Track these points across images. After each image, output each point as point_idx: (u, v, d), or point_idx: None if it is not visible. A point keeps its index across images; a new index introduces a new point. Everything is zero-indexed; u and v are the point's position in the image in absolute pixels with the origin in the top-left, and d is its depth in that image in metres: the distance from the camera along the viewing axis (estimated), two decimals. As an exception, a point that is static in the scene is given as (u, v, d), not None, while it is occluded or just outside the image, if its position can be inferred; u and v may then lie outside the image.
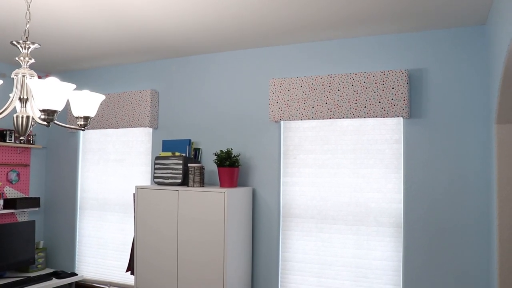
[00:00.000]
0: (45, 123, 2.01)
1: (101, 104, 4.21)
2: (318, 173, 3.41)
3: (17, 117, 2.11)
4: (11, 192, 4.34)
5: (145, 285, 3.47)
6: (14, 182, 4.36)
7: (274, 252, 3.48)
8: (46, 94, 1.90)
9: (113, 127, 4.15)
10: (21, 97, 2.16)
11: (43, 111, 1.94)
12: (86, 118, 2.28)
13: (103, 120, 4.20)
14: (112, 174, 4.30)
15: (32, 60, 2.24)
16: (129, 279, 4.09)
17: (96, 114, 4.23)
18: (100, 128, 4.22)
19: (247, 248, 3.47)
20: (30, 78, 2.13)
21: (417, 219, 3.08)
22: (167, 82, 4.06)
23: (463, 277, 2.93)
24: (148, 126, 3.97)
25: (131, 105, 4.06)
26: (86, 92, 2.21)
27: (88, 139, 4.49)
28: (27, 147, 4.47)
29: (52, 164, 4.68)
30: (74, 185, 4.50)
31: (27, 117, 2.13)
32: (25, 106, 2.17)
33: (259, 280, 3.52)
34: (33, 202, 4.36)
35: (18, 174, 4.41)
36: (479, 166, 2.94)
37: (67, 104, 4.44)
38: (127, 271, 3.85)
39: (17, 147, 4.38)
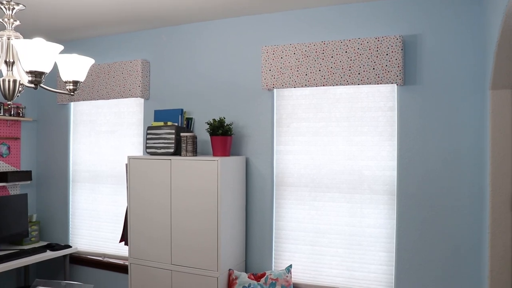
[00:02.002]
0: (32, 85, 1.96)
1: (91, 75, 4.13)
2: (311, 141, 3.40)
3: (3, 80, 2.06)
4: (2, 166, 4.29)
5: (139, 255, 3.47)
6: (4, 156, 4.31)
7: (268, 220, 3.49)
8: (33, 55, 1.84)
9: (104, 98, 4.08)
10: (7, 60, 2.10)
11: (30, 72, 1.88)
12: (75, 83, 2.23)
13: (93, 91, 4.13)
14: (104, 146, 4.26)
15: (18, 22, 2.17)
16: (123, 250, 4.11)
17: (87, 85, 4.15)
18: (90, 100, 4.15)
19: (241, 217, 3.47)
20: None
21: (410, 186, 3.09)
22: (158, 51, 3.99)
23: (456, 243, 2.96)
24: (140, 97, 3.91)
25: (122, 76, 3.98)
26: (74, 56, 2.16)
27: (79, 111, 4.43)
28: (17, 120, 4.40)
29: (43, 137, 4.62)
30: (66, 158, 4.46)
31: (14, 81, 2.07)
32: (12, 70, 2.11)
33: (253, 248, 3.54)
34: (25, 175, 4.32)
35: (8, 148, 4.35)
36: (474, 132, 2.94)
37: (56, 73, 4.36)
38: (120, 241, 3.85)
39: (7, 120, 4.31)
